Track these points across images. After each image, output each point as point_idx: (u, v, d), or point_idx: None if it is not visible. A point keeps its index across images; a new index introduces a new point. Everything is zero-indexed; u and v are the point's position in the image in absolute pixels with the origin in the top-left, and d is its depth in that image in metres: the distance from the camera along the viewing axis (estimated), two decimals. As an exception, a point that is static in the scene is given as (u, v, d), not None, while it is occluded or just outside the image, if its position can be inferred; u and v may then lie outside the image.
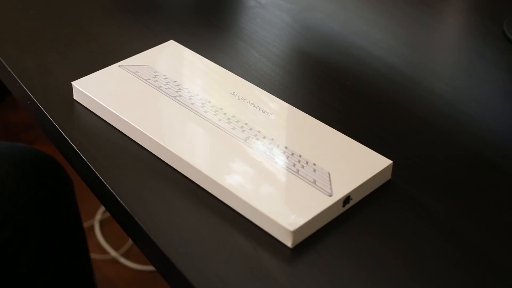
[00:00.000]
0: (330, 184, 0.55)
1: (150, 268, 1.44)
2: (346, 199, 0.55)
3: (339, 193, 0.54)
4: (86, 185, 0.63)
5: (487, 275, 0.51)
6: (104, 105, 0.63)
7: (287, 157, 0.58)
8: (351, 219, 0.55)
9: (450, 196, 0.58)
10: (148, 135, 0.60)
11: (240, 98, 0.65)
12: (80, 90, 0.66)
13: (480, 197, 0.59)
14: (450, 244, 0.53)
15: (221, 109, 0.63)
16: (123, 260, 1.46)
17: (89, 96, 0.65)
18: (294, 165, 0.57)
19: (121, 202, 0.56)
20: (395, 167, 0.59)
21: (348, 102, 0.70)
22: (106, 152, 0.62)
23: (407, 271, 0.51)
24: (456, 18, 0.91)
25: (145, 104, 0.63)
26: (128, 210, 0.55)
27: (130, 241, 1.49)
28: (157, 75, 0.67)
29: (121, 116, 0.62)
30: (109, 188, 0.57)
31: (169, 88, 0.65)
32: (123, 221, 0.58)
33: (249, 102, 0.64)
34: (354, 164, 0.58)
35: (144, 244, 0.55)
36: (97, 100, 0.64)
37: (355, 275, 0.51)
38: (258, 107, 0.64)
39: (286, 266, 0.51)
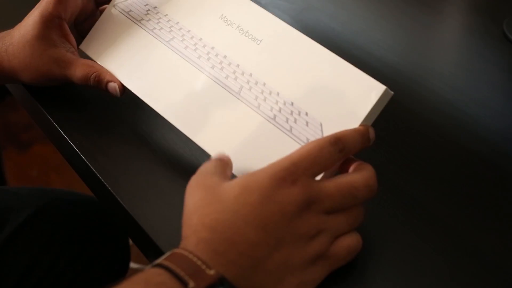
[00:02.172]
0: None
1: (150, 268, 1.44)
2: None
3: None
4: (86, 185, 0.63)
5: (489, 276, 0.51)
6: (110, 70, 0.64)
7: (280, 110, 0.55)
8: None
9: (450, 195, 0.58)
10: (150, 103, 0.60)
11: (228, 23, 0.60)
12: (88, 53, 0.66)
13: (480, 196, 0.59)
14: (450, 244, 0.53)
15: (212, 48, 0.60)
16: (123, 260, 1.46)
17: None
18: (287, 120, 0.54)
19: (121, 202, 0.56)
20: (395, 167, 0.59)
21: (348, 102, 0.70)
22: (106, 152, 0.62)
23: (406, 272, 0.51)
24: (456, 19, 0.91)
25: (141, 61, 0.63)
26: (128, 210, 0.55)
27: (130, 241, 1.49)
28: (149, 9, 0.65)
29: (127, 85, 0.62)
30: (109, 188, 0.57)
31: (162, 28, 0.63)
32: (123, 220, 0.58)
33: (238, 27, 0.60)
34: (346, 105, 0.53)
35: (144, 244, 0.55)
36: (102, 65, 0.64)
37: (354, 275, 0.50)
38: (247, 33, 0.59)
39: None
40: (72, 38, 0.65)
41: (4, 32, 0.65)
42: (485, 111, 0.70)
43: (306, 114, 0.54)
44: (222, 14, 0.61)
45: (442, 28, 0.89)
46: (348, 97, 0.53)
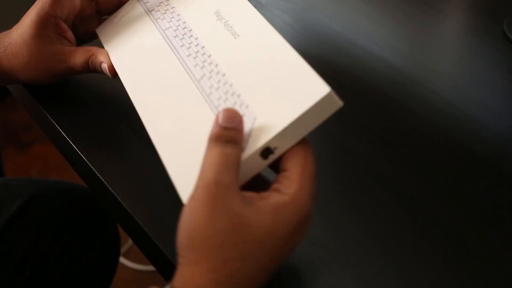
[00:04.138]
0: (249, 136, 0.51)
1: (150, 268, 1.44)
2: (265, 151, 0.50)
3: (251, 147, 0.50)
4: (86, 185, 0.63)
5: (489, 276, 0.51)
6: (111, 56, 0.64)
7: (226, 100, 0.54)
8: (347, 218, 0.55)
9: (450, 195, 0.58)
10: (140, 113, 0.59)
11: (219, 18, 0.61)
12: (100, 36, 0.68)
13: (480, 196, 0.59)
14: (450, 244, 0.53)
15: (196, 38, 0.61)
16: (123, 260, 1.46)
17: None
18: None
19: (121, 202, 0.56)
20: (395, 167, 0.59)
21: (348, 102, 0.70)
22: (106, 152, 0.62)
23: (406, 271, 0.51)
24: (456, 18, 0.91)
25: (134, 49, 0.64)
26: (128, 210, 0.55)
27: (130, 241, 1.49)
28: (162, 1, 0.67)
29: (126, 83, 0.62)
30: (109, 188, 0.57)
31: (164, 19, 0.65)
32: (123, 221, 0.58)
33: (226, 22, 0.61)
34: (286, 102, 0.51)
35: (144, 244, 0.55)
36: (107, 50, 0.65)
37: (354, 275, 0.51)
38: (231, 28, 0.60)
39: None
40: (70, 34, 0.66)
41: (2, 33, 0.66)
42: (485, 111, 0.70)
43: (247, 107, 0.53)
44: (217, 10, 0.62)
45: (442, 28, 0.89)
46: (291, 95, 0.51)
